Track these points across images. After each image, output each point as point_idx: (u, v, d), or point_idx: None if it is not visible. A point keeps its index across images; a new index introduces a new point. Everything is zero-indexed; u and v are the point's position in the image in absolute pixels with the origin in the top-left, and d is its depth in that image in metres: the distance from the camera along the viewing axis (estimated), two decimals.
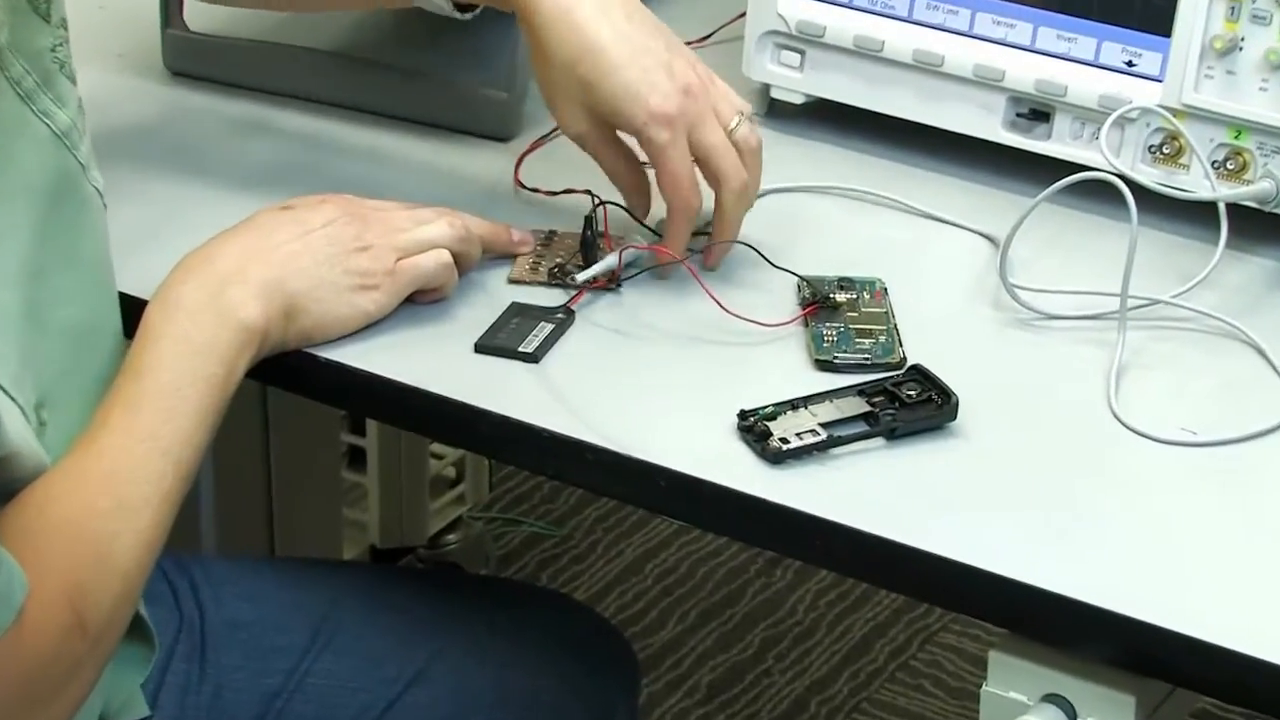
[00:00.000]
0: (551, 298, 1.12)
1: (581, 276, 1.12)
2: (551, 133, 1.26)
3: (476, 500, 2.17)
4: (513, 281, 1.14)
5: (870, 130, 1.30)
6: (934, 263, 1.19)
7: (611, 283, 1.13)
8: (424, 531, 2.09)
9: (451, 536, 2.13)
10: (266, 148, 1.27)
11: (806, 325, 1.11)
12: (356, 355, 1.08)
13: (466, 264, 1.13)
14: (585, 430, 1.02)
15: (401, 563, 2.08)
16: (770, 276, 1.14)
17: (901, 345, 1.09)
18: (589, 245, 1.14)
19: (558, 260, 1.15)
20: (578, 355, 1.08)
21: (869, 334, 1.10)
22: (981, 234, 1.21)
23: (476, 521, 2.18)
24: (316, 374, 1.08)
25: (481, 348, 1.08)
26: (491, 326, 1.10)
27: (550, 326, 1.09)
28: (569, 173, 1.20)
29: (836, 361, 1.08)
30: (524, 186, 1.23)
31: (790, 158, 1.28)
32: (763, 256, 1.15)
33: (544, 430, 1.03)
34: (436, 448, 2.11)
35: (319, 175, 1.23)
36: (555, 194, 1.22)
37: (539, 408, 1.04)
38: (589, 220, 1.13)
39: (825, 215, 1.23)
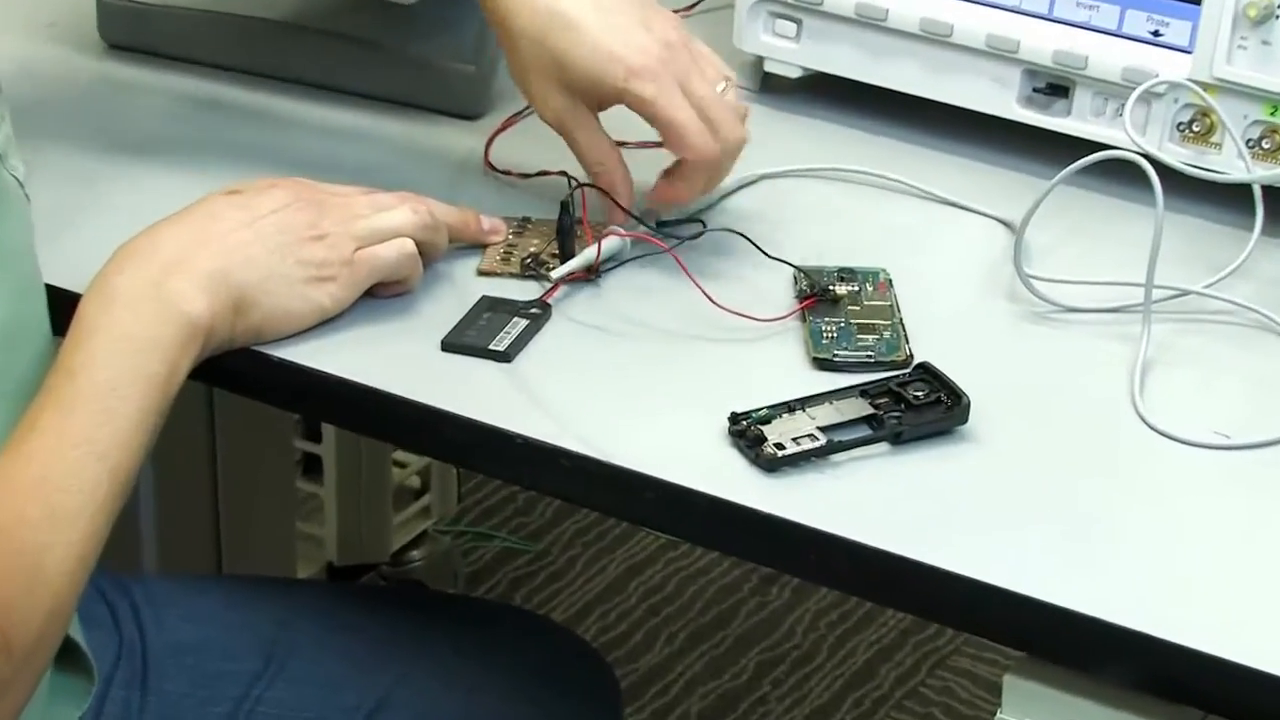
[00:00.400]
0: (525, 291, 1.12)
1: (558, 272, 1.12)
2: (525, 110, 1.26)
3: (443, 513, 2.17)
4: (482, 273, 1.14)
5: (873, 107, 1.30)
6: (943, 251, 1.20)
7: (590, 274, 1.13)
8: (386, 547, 2.09)
9: (416, 552, 2.13)
10: (211, 127, 1.27)
11: (804, 320, 1.11)
12: (311, 354, 1.08)
13: (432, 254, 1.13)
14: (562, 435, 1.02)
15: (361, 581, 2.08)
16: (764, 267, 1.14)
17: (908, 341, 1.09)
18: (566, 233, 1.14)
19: (531, 250, 1.15)
20: (554, 353, 1.09)
21: (872, 329, 1.10)
22: (995, 219, 1.21)
23: (443, 536, 2.18)
24: (267, 374, 1.08)
25: (449, 345, 1.08)
26: (460, 322, 1.10)
27: (524, 322, 1.09)
28: (544, 153, 1.20)
29: (837, 359, 1.08)
30: (494, 169, 1.24)
31: (786, 137, 1.28)
32: (755, 246, 1.15)
33: (517, 435, 1.03)
34: (400, 455, 2.11)
35: (269, 157, 1.23)
36: (529, 176, 1.22)
37: (512, 411, 1.04)
38: (565, 205, 1.13)
39: (824, 200, 1.24)
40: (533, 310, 1.10)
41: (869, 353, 1.08)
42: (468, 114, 1.29)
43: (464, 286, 1.13)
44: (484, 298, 1.12)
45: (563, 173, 1.17)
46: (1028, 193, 1.15)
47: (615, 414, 1.05)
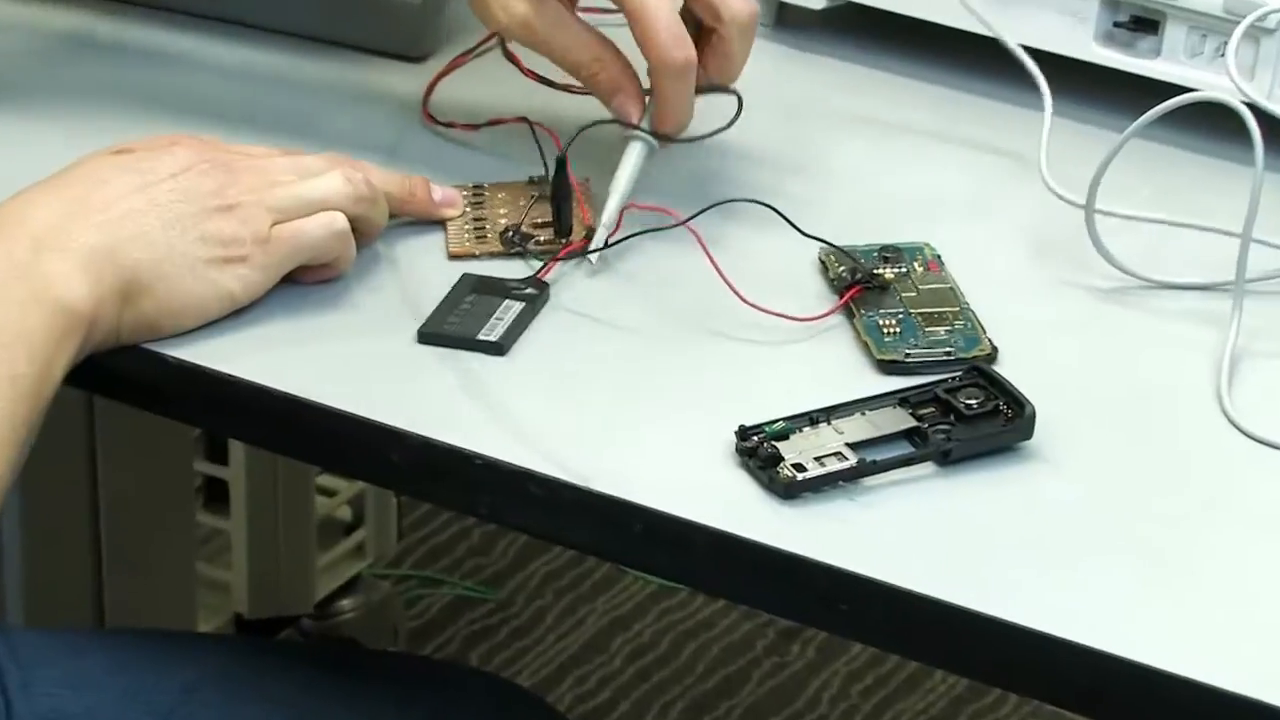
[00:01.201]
0: (502, 269, 1.12)
1: (609, 212, 1.12)
2: (476, 47, 1.27)
3: (381, 552, 2.17)
4: (455, 257, 1.14)
5: (913, 45, 1.30)
6: (997, 221, 1.20)
7: (585, 250, 1.13)
8: (309, 595, 2.09)
9: (347, 602, 2.13)
10: (95, 71, 1.28)
11: (852, 315, 1.10)
12: (216, 353, 1.08)
13: (368, 230, 1.13)
14: (531, 455, 1.03)
15: (279, 637, 2.09)
16: (781, 243, 1.14)
17: (985, 331, 1.09)
18: (565, 198, 1.13)
19: (503, 221, 1.16)
20: (525, 350, 1.09)
21: (940, 319, 1.09)
22: (1061, 183, 1.22)
23: (381, 581, 2.18)
24: (162, 378, 1.08)
25: (427, 336, 1.08)
26: (439, 307, 1.09)
27: (519, 305, 1.09)
28: (499, 102, 1.20)
29: (910, 360, 1.07)
30: (436, 120, 1.24)
31: (806, 82, 1.29)
32: (788, 221, 1.14)
33: (475, 455, 1.03)
34: (326, 480, 2.11)
35: (166, 108, 1.24)
36: (477, 127, 1.22)
37: (467, 424, 1.04)
38: (562, 163, 1.13)
39: (853, 159, 1.24)
40: (528, 291, 1.10)
41: (946, 349, 1.08)
42: (411, 54, 1.29)
43: (410, 271, 1.13)
44: (466, 276, 1.12)
45: (522, 119, 1.17)
46: (1103, 149, 1.14)
47: (597, 428, 1.05)
